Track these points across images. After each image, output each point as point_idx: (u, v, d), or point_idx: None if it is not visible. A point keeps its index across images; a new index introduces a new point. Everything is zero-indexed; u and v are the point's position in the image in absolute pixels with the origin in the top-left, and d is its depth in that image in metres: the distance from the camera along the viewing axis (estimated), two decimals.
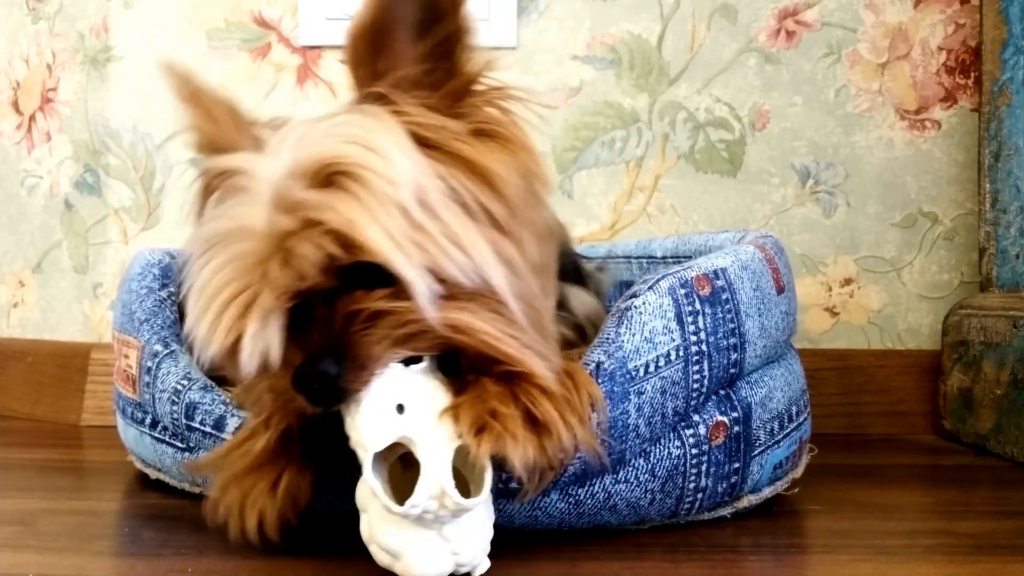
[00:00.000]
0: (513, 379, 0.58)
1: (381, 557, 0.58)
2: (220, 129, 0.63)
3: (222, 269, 0.56)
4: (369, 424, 0.56)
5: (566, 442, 0.58)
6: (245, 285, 0.55)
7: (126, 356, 0.87)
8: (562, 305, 0.72)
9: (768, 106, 1.26)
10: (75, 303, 1.34)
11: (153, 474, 0.87)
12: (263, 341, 0.55)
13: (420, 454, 0.55)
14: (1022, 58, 1.10)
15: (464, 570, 0.58)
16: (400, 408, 0.56)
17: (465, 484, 0.58)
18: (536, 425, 0.57)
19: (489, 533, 0.60)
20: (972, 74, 1.24)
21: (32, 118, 1.38)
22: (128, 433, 0.90)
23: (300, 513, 0.63)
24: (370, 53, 0.58)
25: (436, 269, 0.55)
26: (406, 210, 0.54)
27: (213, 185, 0.62)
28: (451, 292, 0.56)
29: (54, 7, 1.35)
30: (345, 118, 0.58)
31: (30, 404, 1.35)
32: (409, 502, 0.54)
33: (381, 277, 0.55)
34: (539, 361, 0.58)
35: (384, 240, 0.53)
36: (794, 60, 1.26)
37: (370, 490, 0.56)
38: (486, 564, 0.60)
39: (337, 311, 0.56)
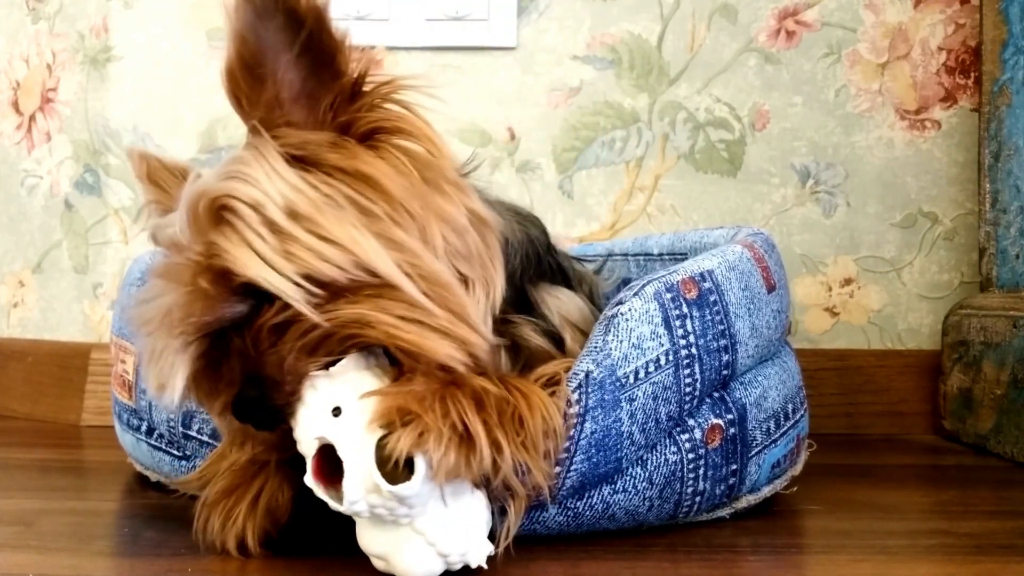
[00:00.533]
0: (450, 383, 0.58)
1: (376, 562, 0.58)
2: (171, 197, 0.67)
3: (146, 325, 0.59)
4: (300, 432, 0.57)
5: (486, 457, 0.57)
6: (162, 338, 0.58)
7: (123, 361, 0.87)
8: (533, 309, 0.71)
9: (768, 106, 1.26)
10: (75, 303, 1.34)
11: (153, 476, 0.87)
12: (172, 385, 0.59)
13: (340, 452, 0.55)
14: (1022, 58, 1.10)
15: (455, 559, 0.57)
16: (337, 411, 0.57)
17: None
18: (456, 431, 0.56)
19: (476, 523, 0.59)
20: (972, 74, 1.24)
21: (32, 118, 1.39)
22: (125, 439, 0.89)
23: (281, 528, 0.65)
24: (248, 85, 0.59)
25: (314, 273, 0.55)
26: (276, 226, 0.55)
27: None
28: (344, 291, 0.56)
29: (54, 7, 1.35)
30: (232, 155, 0.60)
31: (30, 404, 1.35)
32: (345, 499, 0.55)
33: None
34: (444, 344, 0.58)
35: (251, 261, 0.55)
36: (794, 60, 1.26)
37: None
38: (485, 549, 0.59)
39: (246, 335, 0.58)
